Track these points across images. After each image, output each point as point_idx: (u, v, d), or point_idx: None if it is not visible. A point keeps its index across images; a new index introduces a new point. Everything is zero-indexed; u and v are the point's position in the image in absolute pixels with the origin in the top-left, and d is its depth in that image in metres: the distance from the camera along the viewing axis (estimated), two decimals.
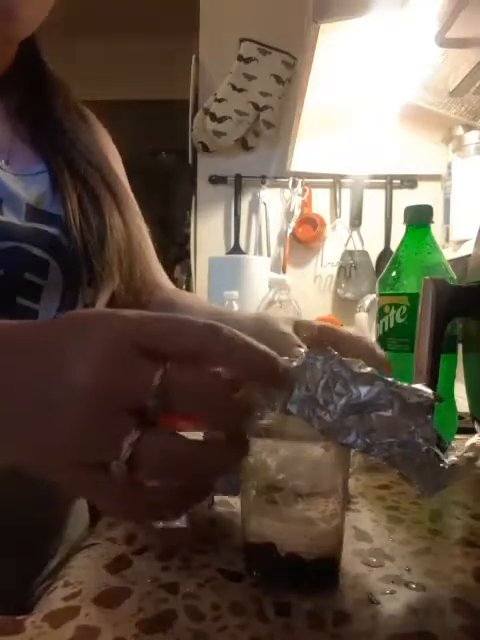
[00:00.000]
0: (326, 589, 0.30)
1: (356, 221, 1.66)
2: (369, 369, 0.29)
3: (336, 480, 0.32)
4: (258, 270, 1.32)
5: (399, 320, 0.58)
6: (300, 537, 0.31)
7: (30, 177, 0.51)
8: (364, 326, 1.04)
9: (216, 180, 1.68)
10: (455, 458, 0.30)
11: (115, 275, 0.54)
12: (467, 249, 1.23)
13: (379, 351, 0.48)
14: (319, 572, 0.31)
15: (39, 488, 0.50)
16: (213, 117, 1.59)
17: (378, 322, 0.61)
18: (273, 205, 1.67)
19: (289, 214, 1.64)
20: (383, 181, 1.64)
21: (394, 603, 0.29)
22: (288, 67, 1.61)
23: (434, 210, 0.61)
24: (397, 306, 0.59)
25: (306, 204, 1.65)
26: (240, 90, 1.60)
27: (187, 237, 1.75)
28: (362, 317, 1.06)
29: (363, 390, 0.28)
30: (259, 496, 0.31)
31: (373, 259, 1.64)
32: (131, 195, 0.63)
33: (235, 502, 0.43)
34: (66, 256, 0.50)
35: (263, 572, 0.31)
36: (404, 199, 1.58)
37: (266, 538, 0.31)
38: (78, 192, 0.52)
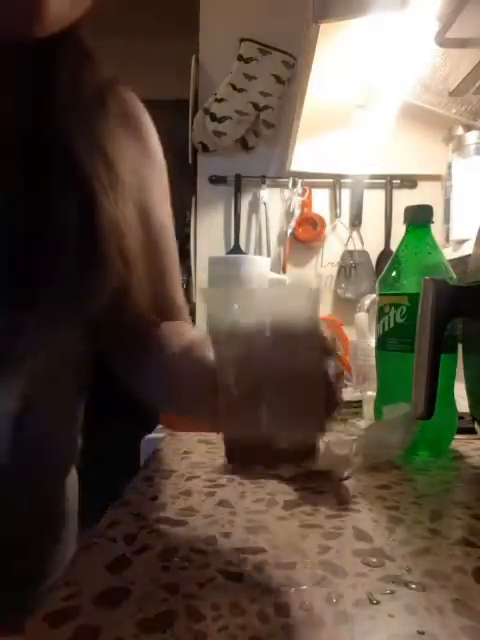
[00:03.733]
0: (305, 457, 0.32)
1: (356, 221, 1.66)
2: None
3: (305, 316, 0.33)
4: (258, 270, 1.32)
5: (399, 320, 0.58)
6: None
7: None
8: (364, 326, 1.04)
9: (216, 180, 1.68)
10: None
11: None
12: (467, 249, 1.23)
13: None
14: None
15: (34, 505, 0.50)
16: (213, 117, 1.59)
17: (378, 322, 0.61)
18: (273, 205, 1.67)
19: (289, 214, 1.64)
20: (383, 181, 1.64)
21: (394, 603, 0.29)
22: (288, 67, 1.61)
23: (434, 210, 0.61)
24: (397, 306, 0.59)
25: (306, 204, 1.65)
26: (240, 90, 1.60)
27: (187, 237, 1.75)
28: (362, 317, 1.06)
29: None
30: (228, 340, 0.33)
31: (373, 259, 1.64)
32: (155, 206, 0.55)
33: (235, 502, 0.43)
34: None
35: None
36: (404, 199, 1.58)
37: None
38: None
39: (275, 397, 0.32)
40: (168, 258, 0.57)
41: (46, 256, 0.43)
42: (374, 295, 0.74)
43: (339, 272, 1.63)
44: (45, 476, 0.54)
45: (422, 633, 0.26)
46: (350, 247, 1.64)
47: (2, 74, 0.46)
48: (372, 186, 1.64)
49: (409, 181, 1.66)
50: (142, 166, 0.55)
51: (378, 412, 0.61)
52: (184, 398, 0.44)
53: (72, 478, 0.60)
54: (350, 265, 1.62)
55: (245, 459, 0.36)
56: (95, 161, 0.46)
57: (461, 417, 0.58)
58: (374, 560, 0.33)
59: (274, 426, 0.32)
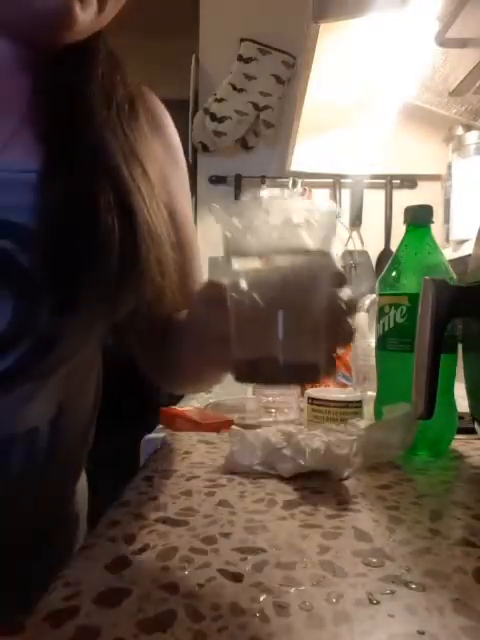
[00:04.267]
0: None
1: (356, 221, 1.66)
2: None
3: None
4: None
5: (399, 320, 0.58)
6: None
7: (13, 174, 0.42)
8: (364, 326, 1.04)
9: (216, 180, 1.68)
10: None
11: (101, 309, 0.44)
12: (467, 249, 1.23)
13: None
14: None
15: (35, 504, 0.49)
16: (213, 117, 1.59)
17: (378, 322, 0.61)
18: None
19: None
20: (383, 181, 1.64)
21: (394, 603, 0.29)
22: (288, 67, 1.61)
23: (434, 210, 0.61)
24: (397, 306, 0.59)
25: None
26: (240, 90, 1.60)
27: None
28: (362, 317, 1.06)
29: None
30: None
31: (373, 259, 1.64)
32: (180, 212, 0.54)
33: (235, 502, 0.43)
34: (19, 279, 0.41)
35: None
36: (404, 199, 1.58)
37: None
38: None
39: (283, 316, 0.35)
40: (194, 262, 0.57)
41: (88, 260, 0.42)
42: (374, 295, 0.74)
43: None
44: (65, 478, 0.54)
45: (422, 633, 0.26)
46: (350, 247, 1.64)
47: (36, 78, 0.47)
48: (372, 186, 1.64)
49: (409, 181, 1.66)
50: (166, 165, 0.55)
51: (378, 412, 0.61)
52: (202, 340, 0.46)
53: (81, 480, 0.60)
54: (350, 265, 1.62)
55: (251, 374, 0.37)
56: (131, 166, 0.46)
57: (461, 417, 0.58)
58: (374, 560, 0.33)
59: (279, 343, 0.35)
